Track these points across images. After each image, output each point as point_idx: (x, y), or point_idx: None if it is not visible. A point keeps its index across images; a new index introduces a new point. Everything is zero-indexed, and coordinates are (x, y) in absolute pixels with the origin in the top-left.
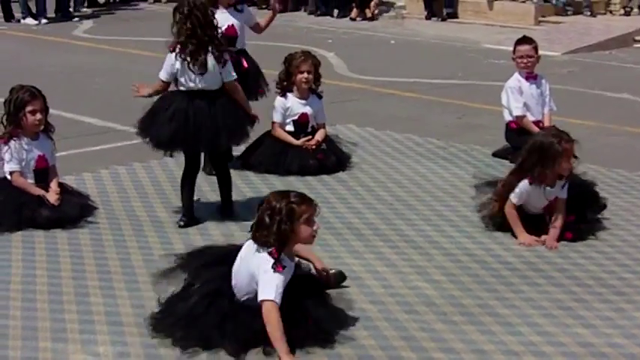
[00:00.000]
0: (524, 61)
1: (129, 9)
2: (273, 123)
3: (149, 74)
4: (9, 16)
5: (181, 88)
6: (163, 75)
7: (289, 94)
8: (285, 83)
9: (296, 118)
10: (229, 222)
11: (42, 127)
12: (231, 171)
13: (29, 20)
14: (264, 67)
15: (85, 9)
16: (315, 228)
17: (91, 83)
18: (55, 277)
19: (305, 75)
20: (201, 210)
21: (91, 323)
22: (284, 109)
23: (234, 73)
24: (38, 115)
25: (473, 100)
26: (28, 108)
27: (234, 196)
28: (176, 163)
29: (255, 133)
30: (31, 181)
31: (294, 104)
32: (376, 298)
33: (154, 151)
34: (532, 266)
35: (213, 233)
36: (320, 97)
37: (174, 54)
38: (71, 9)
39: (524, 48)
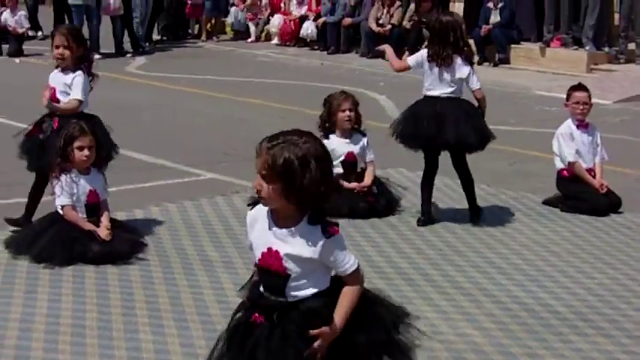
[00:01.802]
0: (580, 107)
1: (183, 46)
2: None
3: (199, 111)
4: None
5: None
6: None
7: (332, 136)
8: (327, 124)
9: (342, 158)
10: None
11: (90, 163)
12: None
13: None
14: (314, 108)
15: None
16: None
17: (141, 119)
18: (105, 312)
19: (347, 113)
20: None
21: None
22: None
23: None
24: (86, 152)
25: (524, 147)
26: (76, 144)
27: None
28: (226, 202)
29: None
30: (82, 215)
31: (338, 145)
32: (424, 343)
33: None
34: (581, 316)
35: None
36: (364, 134)
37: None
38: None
39: (581, 95)
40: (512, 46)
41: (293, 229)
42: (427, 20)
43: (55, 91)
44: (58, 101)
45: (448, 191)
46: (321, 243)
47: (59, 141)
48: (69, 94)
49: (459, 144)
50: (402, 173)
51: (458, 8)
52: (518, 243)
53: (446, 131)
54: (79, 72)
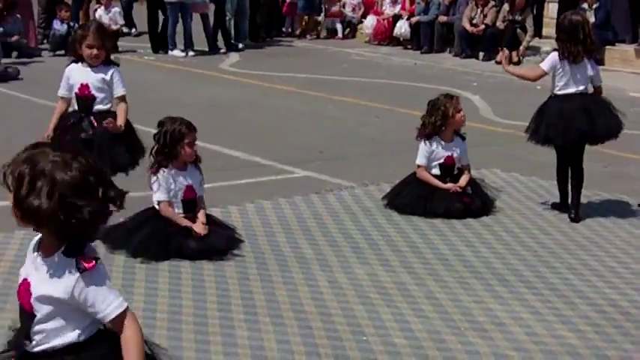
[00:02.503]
0: None
1: (276, 44)
2: (418, 166)
3: (293, 109)
4: (157, 47)
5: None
6: None
7: (435, 137)
8: (435, 126)
9: (442, 161)
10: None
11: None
12: (375, 211)
13: (177, 52)
14: (408, 107)
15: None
16: None
17: (235, 117)
18: (201, 308)
19: (462, 113)
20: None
21: (235, 356)
22: (429, 152)
23: None
24: (195, 148)
25: (619, 149)
26: (186, 140)
27: (379, 237)
28: (320, 200)
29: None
30: (179, 211)
31: (439, 148)
32: (520, 345)
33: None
34: None
35: (358, 272)
36: (463, 138)
37: None
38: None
39: None
40: (607, 47)
41: (49, 259)
42: (520, 20)
43: (88, 87)
44: (94, 98)
45: (541, 191)
46: (73, 279)
47: (161, 138)
48: (105, 90)
49: (608, 136)
50: (496, 174)
51: (552, 9)
52: (614, 245)
53: (597, 124)
54: (114, 67)
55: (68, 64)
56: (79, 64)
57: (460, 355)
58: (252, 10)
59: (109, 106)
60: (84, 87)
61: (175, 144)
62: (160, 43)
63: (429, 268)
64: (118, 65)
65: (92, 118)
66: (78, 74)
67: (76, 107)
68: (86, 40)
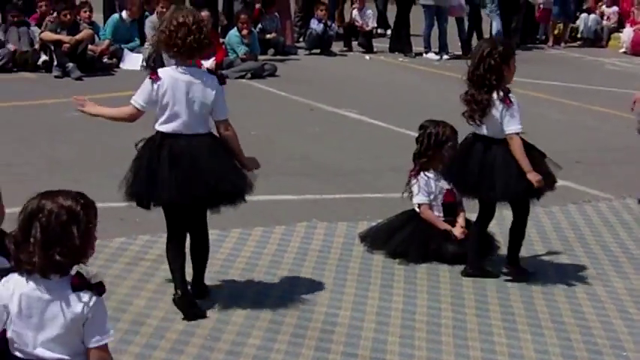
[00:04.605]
0: None
1: (529, 50)
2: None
3: (546, 117)
4: (395, 48)
5: None
6: None
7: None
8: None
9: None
10: None
11: None
12: (633, 224)
13: (431, 55)
14: None
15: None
16: None
17: None
18: (460, 312)
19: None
20: None
21: None
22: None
23: None
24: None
25: None
26: (449, 143)
27: (638, 252)
28: (578, 211)
29: None
30: (439, 214)
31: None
32: None
33: None
34: None
35: (617, 285)
36: None
37: None
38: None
39: None
40: None
41: None
42: None
43: None
44: None
45: None
46: None
47: (424, 140)
48: None
49: None
50: None
51: None
52: None
53: None
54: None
55: None
56: None
57: None
58: (508, 15)
59: None
60: None
61: (439, 147)
62: (399, 44)
63: None
64: None
65: None
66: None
67: None
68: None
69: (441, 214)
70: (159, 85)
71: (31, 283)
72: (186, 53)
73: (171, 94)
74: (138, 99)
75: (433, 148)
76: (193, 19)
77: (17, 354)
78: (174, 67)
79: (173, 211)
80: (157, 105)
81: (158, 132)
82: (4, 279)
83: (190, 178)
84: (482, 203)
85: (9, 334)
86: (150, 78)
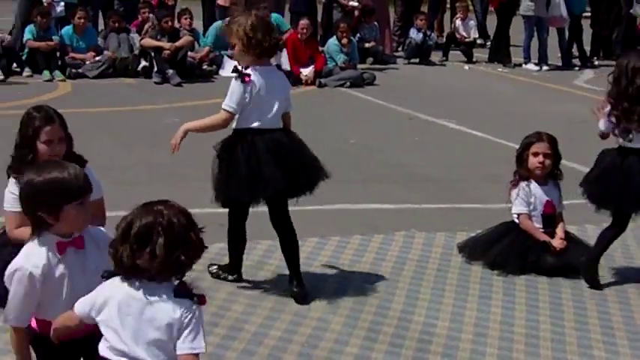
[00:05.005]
0: None
1: None
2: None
3: None
4: (494, 58)
5: None
6: None
7: None
8: None
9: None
10: None
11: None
12: None
13: (531, 65)
14: None
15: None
16: None
17: (588, 135)
18: (558, 325)
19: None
20: None
21: None
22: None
23: None
24: (541, 158)
25: None
26: (533, 150)
27: None
28: None
29: None
30: (538, 225)
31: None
32: None
33: None
34: None
35: None
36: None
37: None
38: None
39: None
40: None
41: None
42: None
43: None
44: None
45: None
46: None
47: (520, 149)
48: None
49: None
50: None
51: None
52: None
53: None
54: None
55: None
56: None
57: None
58: (610, 27)
59: None
60: None
61: (521, 153)
62: (498, 54)
63: None
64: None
65: None
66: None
67: None
68: None
69: (541, 226)
70: (251, 87)
71: (135, 285)
72: (266, 53)
73: (262, 93)
74: (231, 103)
75: (520, 153)
76: (267, 21)
77: (111, 354)
78: (255, 67)
79: (248, 206)
80: (247, 106)
81: (247, 130)
82: (108, 281)
83: (293, 169)
84: (620, 216)
85: (105, 334)
86: (243, 81)
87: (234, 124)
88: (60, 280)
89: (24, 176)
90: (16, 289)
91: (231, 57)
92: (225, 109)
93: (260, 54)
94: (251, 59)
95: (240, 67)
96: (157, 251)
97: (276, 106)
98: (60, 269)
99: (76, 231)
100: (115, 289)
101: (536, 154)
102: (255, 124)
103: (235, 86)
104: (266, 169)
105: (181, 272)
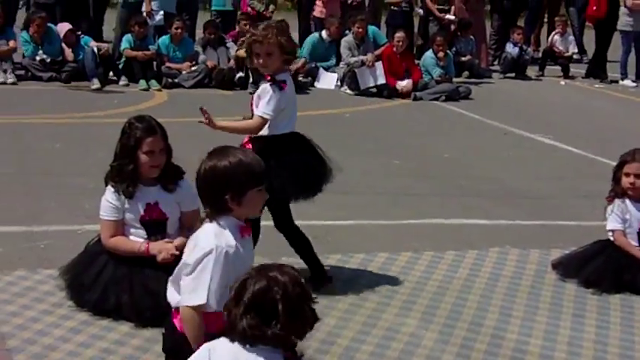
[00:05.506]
0: None
1: None
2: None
3: None
4: (590, 73)
5: None
6: None
7: None
8: None
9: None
10: None
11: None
12: None
13: (627, 82)
14: None
15: None
16: None
17: None
18: None
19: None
20: None
21: None
22: None
23: None
24: (631, 179)
25: None
26: (627, 171)
27: None
28: None
29: None
30: (634, 243)
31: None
32: None
33: None
34: None
35: None
36: None
37: None
38: None
39: None
40: None
41: None
42: None
43: None
44: None
45: None
46: None
47: (616, 167)
48: None
49: None
50: None
51: None
52: None
53: None
54: None
55: None
56: None
57: None
58: None
59: None
60: None
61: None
62: (596, 70)
63: None
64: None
65: None
66: None
67: None
68: None
69: (637, 244)
70: (286, 93)
71: (247, 348)
72: (288, 61)
73: (291, 98)
74: (267, 110)
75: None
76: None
77: None
78: (283, 73)
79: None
80: (280, 113)
81: (281, 135)
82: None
83: (319, 167)
84: None
85: None
86: (280, 89)
87: (265, 132)
88: (240, 264)
89: (202, 164)
90: (214, 269)
91: (326, 69)
92: (262, 116)
93: (289, 60)
94: (282, 66)
95: (274, 76)
96: (275, 323)
97: (296, 109)
98: (240, 253)
99: (253, 216)
100: (228, 351)
101: (627, 175)
102: (287, 129)
103: (272, 92)
104: (314, 169)
105: (292, 345)
